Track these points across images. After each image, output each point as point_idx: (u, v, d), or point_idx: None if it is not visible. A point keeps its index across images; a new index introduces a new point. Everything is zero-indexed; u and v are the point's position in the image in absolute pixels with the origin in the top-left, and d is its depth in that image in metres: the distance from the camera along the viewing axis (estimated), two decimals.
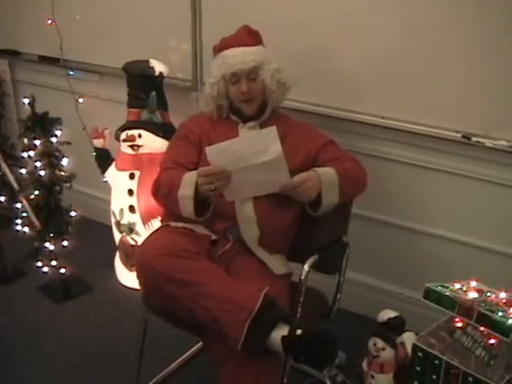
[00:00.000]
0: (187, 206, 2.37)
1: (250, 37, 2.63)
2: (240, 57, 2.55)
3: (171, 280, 2.16)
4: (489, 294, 2.17)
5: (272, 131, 2.23)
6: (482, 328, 2.13)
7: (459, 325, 2.22)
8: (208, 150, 2.26)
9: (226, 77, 2.59)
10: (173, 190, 2.40)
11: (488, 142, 2.74)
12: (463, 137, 2.79)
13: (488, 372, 2.08)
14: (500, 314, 2.06)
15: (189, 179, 2.36)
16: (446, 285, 2.25)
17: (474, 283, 2.23)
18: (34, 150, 3.32)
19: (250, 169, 2.25)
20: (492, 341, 2.11)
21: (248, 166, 2.24)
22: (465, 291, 2.20)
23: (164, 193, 2.49)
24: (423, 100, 2.87)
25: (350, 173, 2.50)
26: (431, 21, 2.75)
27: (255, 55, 2.57)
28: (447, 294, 2.20)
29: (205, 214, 2.41)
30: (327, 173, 2.44)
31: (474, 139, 2.76)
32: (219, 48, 2.65)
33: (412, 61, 2.84)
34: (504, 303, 2.15)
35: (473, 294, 2.18)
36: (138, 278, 2.30)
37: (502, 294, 2.20)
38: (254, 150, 2.24)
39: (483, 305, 2.11)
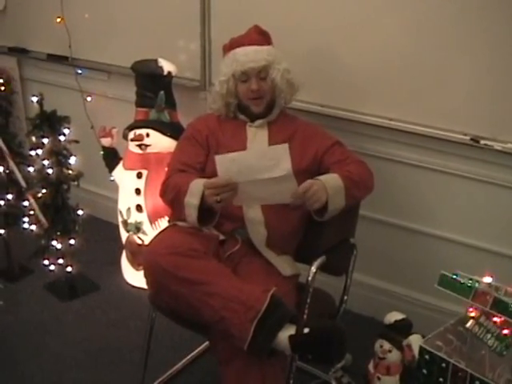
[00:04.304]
0: (191, 215, 2.36)
1: (260, 36, 2.65)
2: (251, 55, 2.57)
3: (178, 279, 2.16)
4: (503, 288, 2.16)
5: (284, 148, 2.20)
6: (495, 318, 2.12)
7: (472, 314, 2.21)
8: (217, 158, 2.24)
9: (236, 75, 2.59)
10: (180, 196, 2.39)
11: (496, 145, 2.73)
12: (471, 139, 2.78)
13: (496, 375, 2.07)
14: None
15: (196, 187, 2.35)
16: (461, 273, 2.24)
17: (488, 278, 2.21)
18: (41, 148, 3.32)
19: (258, 182, 2.24)
20: (506, 331, 2.10)
21: (256, 179, 2.24)
22: (480, 280, 2.19)
23: (171, 197, 2.49)
24: (431, 102, 2.86)
25: (354, 176, 2.48)
26: (439, 23, 2.74)
27: (266, 54, 2.58)
28: (462, 280, 2.19)
29: (210, 223, 2.41)
30: (331, 179, 2.42)
31: (482, 142, 2.76)
32: (229, 47, 2.67)
33: (420, 62, 2.83)
34: None
35: (488, 279, 2.17)
36: (145, 276, 2.30)
37: None
38: (264, 164, 2.21)
39: (499, 292, 2.11)
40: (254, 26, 2.68)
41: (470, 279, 2.19)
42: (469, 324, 2.21)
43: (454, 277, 2.21)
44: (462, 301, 2.19)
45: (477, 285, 2.17)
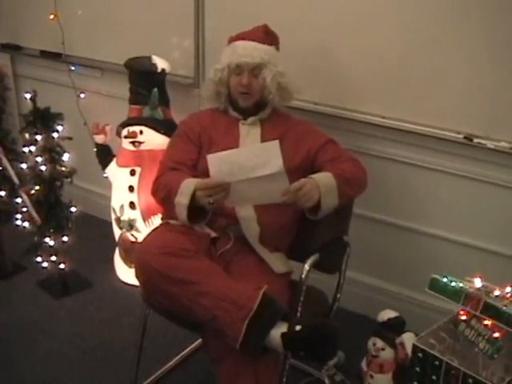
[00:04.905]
0: (182, 214, 2.36)
1: (265, 35, 2.66)
2: (249, 50, 2.58)
3: (170, 279, 2.16)
4: (493, 290, 2.17)
5: (275, 145, 2.20)
6: (486, 321, 2.13)
7: (463, 318, 2.22)
8: (209, 158, 2.25)
9: (231, 66, 2.60)
10: (171, 195, 2.40)
11: (489, 144, 2.74)
12: (465, 138, 2.79)
13: (489, 373, 2.08)
14: (505, 308, 2.06)
15: (187, 187, 2.35)
16: (451, 277, 2.25)
17: (478, 280, 2.23)
18: (35, 144, 3.31)
19: (250, 181, 2.24)
20: (496, 334, 2.11)
21: (248, 178, 2.23)
22: (470, 284, 2.21)
23: (162, 196, 2.50)
24: (425, 100, 2.87)
25: (347, 174, 2.48)
26: (433, 22, 2.75)
27: (263, 53, 2.59)
28: (453, 284, 2.20)
29: (201, 221, 2.41)
30: (324, 177, 2.42)
31: (475, 140, 2.77)
32: (234, 38, 2.68)
33: (414, 61, 2.84)
34: (510, 296, 2.15)
35: (478, 283, 2.18)
36: (137, 276, 2.31)
37: (508, 289, 2.19)
38: (255, 162, 2.22)
39: (489, 296, 2.12)
40: (264, 24, 2.69)
41: (461, 283, 2.20)
42: (460, 327, 2.22)
43: (445, 280, 2.22)
44: None
45: (468, 286, 2.18)
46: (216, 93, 2.69)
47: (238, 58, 2.58)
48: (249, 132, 2.63)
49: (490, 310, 2.09)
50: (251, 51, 2.58)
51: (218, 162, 2.24)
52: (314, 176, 2.39)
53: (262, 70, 2.59)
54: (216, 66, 2.66)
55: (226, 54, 2.64)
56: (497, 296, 2.16)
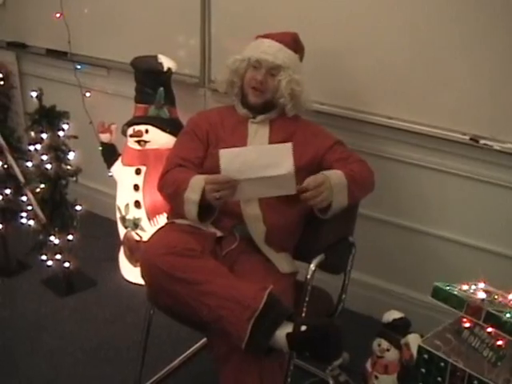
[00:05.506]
0: (191, 210, 2.36)
1: (293, 42, 2.68)
2: (274, 49, 2.60)
3: (175, 279, 2.16)
4: (496, 296, 2.16)
5: (287, 148, 2.23)
6: (489, 329, 2.12)
7: (467, 325, 2.21)
8: (221, 152, 2.25)
9: (251, 59, 2.61)
10: (179, 191, 2.40)
11: (496, 145, 2.73)
12: (471, 139, 2.78)
13: (493, 375, 2.07)
14: (508, 315, 2.06)
15: (197, 183, 2.35)
16: (454, 285, 2.24)
17: (481, 284, 2.23)
18: (40, 143, 3.31)
19: (258, 179, 2.25)
20: (500, 342, 2.10)
21: (257, 177, 2.24)
22: (473, 291, 2.20)
23: (170, 192, 2.49)
24: (431, 101, 2.86)
25: (356, 175, 2.49)
26: (440, 23, 2.74)
27: (287, 57, 2.61)
28: (455, 292, 2.19)
29: (208, 219, 2.41)
30: (336, 176, 2.42)
31: (481, 142, 2.76)
32: (263, 36, 2.70)
33: (420, 62, 2.83)
34: None
35: (481, 294, 2.17)
36: (143, 276, 2.30)
37: (511, 296, 2.19)
38: (266, 162, 2.23)
39: (491, 305, 2.11)
40: (295, 32, 2.71)
41: (464, 289, 2.20)
42: (464, 334, 2.21)
43: (447, 289, 2.21)
44: None
45: (470, 293, 2.17)
46: (230, 82, 2.70)
47: (260, 54, 2.59)
48: (257, 131, 2.62)
49: (493, 319, 2.08)
50: (275, 51, 2.59)
51: (230, 158, 2.25)
52: (326, 173, 2.40)
53: (280, 73, 2.59)
54: (236, 56, 2.67)
55: (250, 48, 2.65)
56: (500, 302, 2.15)
